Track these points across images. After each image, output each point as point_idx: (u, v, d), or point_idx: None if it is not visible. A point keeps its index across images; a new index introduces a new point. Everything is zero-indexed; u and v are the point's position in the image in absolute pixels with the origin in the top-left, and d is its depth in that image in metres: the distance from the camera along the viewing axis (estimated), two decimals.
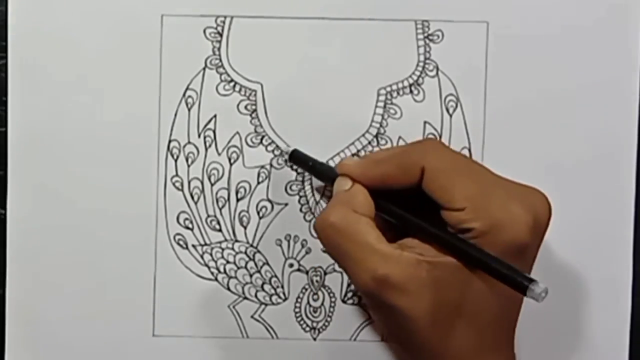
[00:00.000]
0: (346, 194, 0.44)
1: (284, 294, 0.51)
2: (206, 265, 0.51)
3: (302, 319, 0.51)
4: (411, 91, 0.50)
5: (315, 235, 0.50)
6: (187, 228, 0.50)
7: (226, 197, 0.50)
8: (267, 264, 0.51)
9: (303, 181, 0.50)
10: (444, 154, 0.43)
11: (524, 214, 0.41)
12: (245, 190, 0.50)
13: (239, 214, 0.50)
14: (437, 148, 0.44)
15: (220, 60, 0.50)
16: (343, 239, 0.42)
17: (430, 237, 0.42)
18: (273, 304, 0.51)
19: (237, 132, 0.50)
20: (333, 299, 0.51)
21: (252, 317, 0.51)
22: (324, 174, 0.48)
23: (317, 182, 0.50)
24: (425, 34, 0.50)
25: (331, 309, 0.51)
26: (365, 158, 0.45)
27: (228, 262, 0.51)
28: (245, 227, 0.50)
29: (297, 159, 0.49)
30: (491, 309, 0.42)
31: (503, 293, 0.41)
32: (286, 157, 0.50)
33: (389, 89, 0.50)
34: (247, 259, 0.51)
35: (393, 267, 0.41)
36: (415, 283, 0.41)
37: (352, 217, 0.43)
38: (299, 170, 0.50)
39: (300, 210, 0.50)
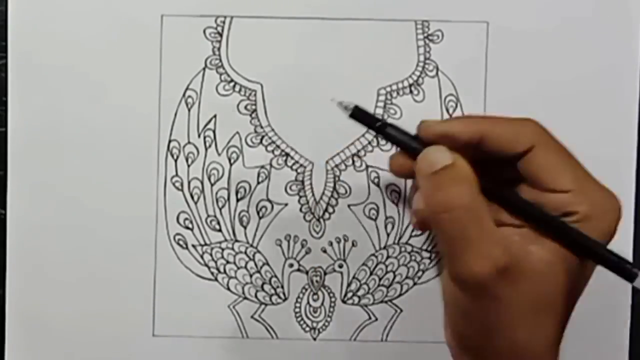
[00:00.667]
0: (460, 170, 0.38)
1: (284, 294, 0.51)
2: (206, 265, 0.51)
3: (302, 319, 0.51)
4: (411, 91, 0.50)
5: (315, 235, 0.50)
6: (187, 228, 0.50)
7: (226, 197, 0.50)
8: (267, 264, 0.51)
9: (303, 181, 0.50)
10: (550, 134, 0.40)
11: (618, 204, 0.40)
12: (245, 190, 0.50)
13: (239, 214, 0.50)
14: (544, 128, 0.40)
15: (220, 60, 0.50)
16: (471, 223, 0.37)
17: (532, 219, 0.39)
18: (273, 304, 0.51)
19: (237, 132, 0.50)
20: (333, 299, 0.51)
21: (252, 317, 0.51)
22: (401, 141, 0.40)
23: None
24: (425, 34, 0.50)
25: (331, 309, 0.51)
26: (454, 119, 0.42)
27: (228, 262, 0.51)
28: (245, 227, 0.50)
29: (360, 116, 0.41)
30: (572, 301, 0.40)
31: (581, 285, 0.40)
32: (349, 112, 0.41)
33: (389, 89, 0.50)
34: (247, 259, 0.51)
35: (514, 257, 0.38)
36: (530, 275, 0.38)
37: (479, 200, 0.38)
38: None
39: (300, 210, 0.50)
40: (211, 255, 0.50)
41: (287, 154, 0.50)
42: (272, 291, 0.51)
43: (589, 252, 0.39)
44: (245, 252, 0.51)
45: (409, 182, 0.50)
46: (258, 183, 0.50)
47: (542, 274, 0.39)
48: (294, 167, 0.50)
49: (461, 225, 0.37)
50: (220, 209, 0.50)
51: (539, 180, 0.39)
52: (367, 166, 0.50)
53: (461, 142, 0.39)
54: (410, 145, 0.40)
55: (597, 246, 0.39)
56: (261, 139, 0.50)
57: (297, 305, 0.51)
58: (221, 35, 0.50)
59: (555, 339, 0.40)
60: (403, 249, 0.51)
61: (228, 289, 0.51)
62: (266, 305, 0.51)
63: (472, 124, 0.39)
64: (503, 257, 0.37)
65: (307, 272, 0.51)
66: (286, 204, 0.50)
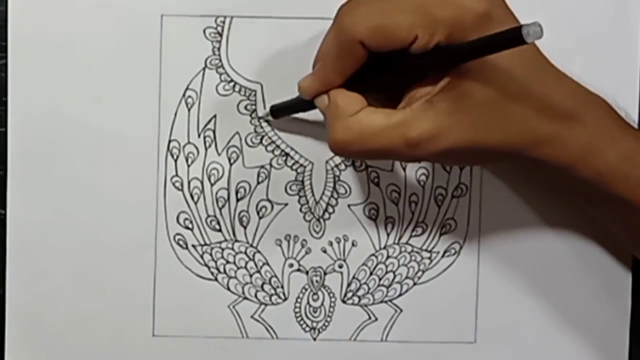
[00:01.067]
0: (332, 109, 0.43)
1: (283, 294, 0.51)
2: (206, 265, 0.51)
3: (302, 319, 0.51)
4: None
5: (315, 235, 0.50)
6: (187, 228, 0.50)
7: (226, 197, 0.50)
8: (267, 264, 0.51)
9: (303, 181, 0.50)
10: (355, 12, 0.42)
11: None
12: (245, 190, 0.50)
13: (239, 214, 0.50)
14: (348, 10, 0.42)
15: (220, 60, 0.50)
16: (362, 144, 0.41)
17: (420, 72, 0.41)
18: (273, 304, 0.51)
19: (237, 132, 0.50)
20: (333, 299, 0.51)
21: (252, 317, 0.51)
22: (308, 104, 0.46)
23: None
24: None
25: (331, 309, 0.51)
26: (314, 69, 0.44)
27: (228, 262, 0.51)
28: (245, 227, 0.50)
29: (278, 111, 0.49)
30: (515, 77, 0.41)
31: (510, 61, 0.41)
32: (269, 118, 0.49)
33: None
34: (247, 259, 0.51)
35: (416, 124, 0.40)
36: (442, 121, 0.40)
37: (352, 122, 0.42)
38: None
39: (300, 210, 0.50)
40: (211, 255, 0.50)
41: (287, 154, 0.50)
42: (272, 291, 0.51)
43: (473, 54, 0.39)
44: (245, 252, 0.51)
45: (409, 182, 0.50)
46: (258, 183, 0.50)
47: (461, 102, 0.41)
48: (294, 167, 0.50)
49: (357, 152, 0.42)
50: (220, 209, 0.50)
51: (398, 47, 0.41)
52: (367, 166, 0.50)
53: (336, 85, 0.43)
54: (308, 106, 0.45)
55: (480, 42, 0.39)
56: (261, 139, 0.50)
57: (297, 305, 0.51)
58: (221, 35, 0.50)
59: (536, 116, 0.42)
60: (403, 249, 0.51)
61: (228, 289, 0.51)
62: (266, 305, 0.51)
63: (325, 75, 0.43)
64: (409, 132, 0.40)
65: (307, 272, 0.51)
66: (286, 204, 0.50)
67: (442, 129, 0.40)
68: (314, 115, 0.50)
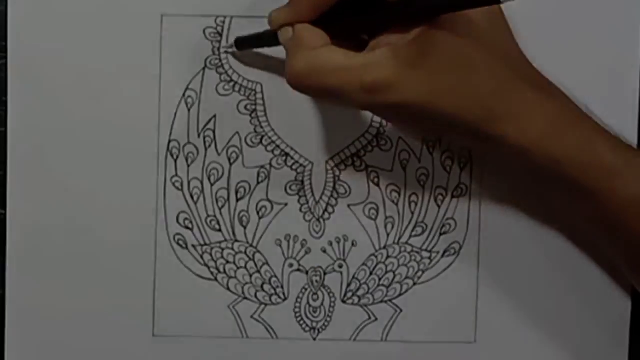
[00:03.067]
0: (294, 41, 0.43)
1: (283, 294, 0.51)
2: (206, 265, 0.51)
3: (302, 319, 0.51)
4: None
5: (315, 235, 0.50)
6: (187, 228, 0.50)
7: (226, 197, 0.50)
8: (267, 264, 0.51)
9: (303, 181, 0.50)
10: None
11: None
12: (245, 190, 0.50)
13: (239, 214, 0.50)
14: None
15: (220, 60, 0.50)
16: (317, 79, 0.41)
17: (389, 19, 0.41)
18: (273, 304, 0.51)
19: (237, 132, 0.50)
20: (333, 299, 0.51)
21: (252, 317, 0.51)
22: (274, 38, 0.45)
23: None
24: None
25: (331, 309, 0.51)
26: (289, 1, 0.44)
27: (228, 262, 0.51)
28: (245, 227, 0.50)
29: (243, 42, 0.48)
30: (477, 40, 0.41)
31: (481, 22, 0.41)
32: (233, 50, 0.49)
33: None
34: (247, 259, 0.51)
35: (376, 69, 0.40)
36: (403, 72, 0.40)
37: (312, 55, 0.41)
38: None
39: (300, 210, 0.50)
40: (211, 255, 0.51)
41: (287, 154, 0.50)
42: (272, 291, 0.51)
43: (455, 4, 0.39)
44: (245, 252, 0.51)
45: (409, 182, 0.50)
46: (258, 183, 0.50)
47: (423, 57, 0.40)
48: (294, 167, 0.50)
49: (313, 85, 0.42)
50: (220, 209, 0.50)
51: None
52: (367, 166, 0.50)
53: (305, 20, 0.43)
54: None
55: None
56: (261, 139, 0.50)
57: (297, 305, 0.51)
58: (221, 35, 0.50)
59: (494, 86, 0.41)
60: (403, 249, 0.51)
61: (228, 289, 0.51)
62: (266, 305, 0.51)
63: (298, 5, 0.43)
64: (366, 76, 0.40)
65: (307, 272, 0.51)
66: (286, 204, 0.50)
67: (400, 80, 0.40)
68: (314, 115, 0.50)
